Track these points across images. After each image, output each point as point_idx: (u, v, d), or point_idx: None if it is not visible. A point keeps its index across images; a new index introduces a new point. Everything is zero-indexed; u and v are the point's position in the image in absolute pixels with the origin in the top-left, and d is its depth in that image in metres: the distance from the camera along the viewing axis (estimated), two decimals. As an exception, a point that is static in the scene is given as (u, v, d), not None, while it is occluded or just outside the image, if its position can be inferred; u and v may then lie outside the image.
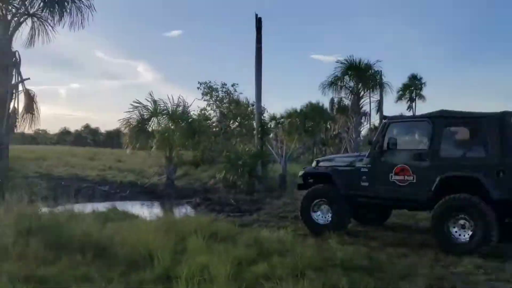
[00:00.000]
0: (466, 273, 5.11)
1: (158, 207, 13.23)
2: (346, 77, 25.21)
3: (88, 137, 59.98)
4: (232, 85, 26.43)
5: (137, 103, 15.65)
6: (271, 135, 27.16)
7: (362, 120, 26.98)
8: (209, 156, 24.01)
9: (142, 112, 15.64)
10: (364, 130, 35.12)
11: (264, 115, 28.33)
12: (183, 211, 12.41)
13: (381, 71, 25.24)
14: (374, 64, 24.93)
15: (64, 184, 15.55)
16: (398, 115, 8.40)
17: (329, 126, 26.31)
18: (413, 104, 59.71)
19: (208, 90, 26.00)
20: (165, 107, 15.95)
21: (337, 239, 6.63)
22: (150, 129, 15.78)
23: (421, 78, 60.00)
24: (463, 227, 6.07)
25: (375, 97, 26.60)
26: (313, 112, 26.31)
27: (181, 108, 16.25)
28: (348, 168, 7.40)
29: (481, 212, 5.80)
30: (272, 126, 28.62)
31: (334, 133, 27.70)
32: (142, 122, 15.60)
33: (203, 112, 26.39)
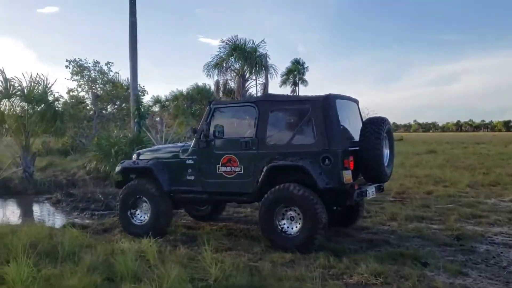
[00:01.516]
0: (364, 284, 4.34)
1: (5, 208, 11.00)
2: (232, 59, 24.45)
3: None
4: (106, 64, 24.08)
5: (-19, 81, 12.93)
6: (158, 119, 25.46)
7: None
8: (80, 144, 21.60)
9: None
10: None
11: (145, 97, 26.56)
12: (38, 211, 10.43)
13: (266, 53, 24.83)
14: (259, 45, 24.42)
15: None
16: (223, 100, 7.80)
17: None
18: (297, 88, 62.01)
19: (79, 69, 23.33)
20: (19, 87, 13.42)
21: (215, 243, 5.56)
22: (-1, 113, 13.17)
23: (304, 63, 62.11)
24: (292, 219, 5.67)
25: (261, 79, 26.25)
26: (199, 94, 25.14)
27: (40, 87, 13.82)
28: (172, 161, 6.64)
29: (308, 202, 5.44)
30: (157, 109, 26.91)
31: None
32: (-11, 105, 12.94)
33: (70, 93, 23.81)
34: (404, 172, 14.41)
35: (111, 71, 24.60)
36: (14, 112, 13.55)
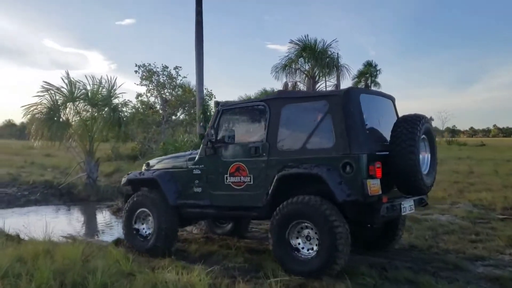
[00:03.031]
0: None
1: (68, 215, 10.56)
2: (301, 60, 23.19)
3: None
4: (175, 69, 23.70)
5: (48, 85, 12.75)
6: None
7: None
8: (149, 149, 21.36)
9: (54, 97, 12.73)
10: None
11: (212, 101, 26.04)
12: (95, 220, 9.85)
13: (338, 53, 23.30)
14: (330, 44, 22.94)
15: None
16: (232, 101, 6.66)
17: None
18: (369, 91, 59.54)
19: (148, 74, 23.17)
20: (84, 90, 13.11)
21: (283, 276, 4.36)
22: (65, 117, 12.89)
23: (376, 65, 59.57)
24: (307, 238, 4.73)
25: (332, 81, 24.78)
26: (266, 98, 24.17)
27: (105, 90, 13.44)
28: (178, 171, 5.95)
29: (324, 218, 4.49)
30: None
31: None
32: (55, 108, 12.69)
33: (140, 98, 23.70)
34: (501, 181, 12.38)
35: (179, 75, 24.27)
36: (79, 117, 13.28)
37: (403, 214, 4.92)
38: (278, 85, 31.72)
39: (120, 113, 13.65)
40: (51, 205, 11.74)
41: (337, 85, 25.25)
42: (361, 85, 58.54)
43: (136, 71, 23.50)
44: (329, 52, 22.82)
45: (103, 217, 10.06)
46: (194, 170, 5.71)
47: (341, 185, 4.50)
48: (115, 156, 21.71)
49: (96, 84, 13.21)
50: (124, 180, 6.54)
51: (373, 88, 58.03)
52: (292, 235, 4.76)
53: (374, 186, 4.46)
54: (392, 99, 5.75)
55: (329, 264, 4.44)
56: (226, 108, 5.73)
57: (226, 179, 5.38)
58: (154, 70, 23.46)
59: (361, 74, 55.21)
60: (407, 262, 5.18)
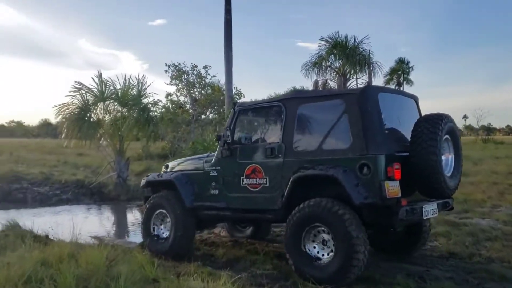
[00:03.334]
0: None
1: (98, 214, 10.61)
2: (331, 57, 22.76)
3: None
4: (204, 68, 23.66)
5: (79, 85, 12.87)
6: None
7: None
8: (179, 148, 21.42)
9: (85, 97, 12.84)
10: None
11: (241, 100, 25.92)
12: (124, 221, 9.84)
13: (369, 50, 22.76)
14: (362, 41, 22.43)
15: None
16: (249, 101, 6.55)
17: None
18: (401, 89, 58.26)
19: (178, 73, 23.23)
20: (114, 89, 13.17)
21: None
22: (95, 117, 12.99)
23: (408, 62, 58.33)
24: (324, 243, 4.56)
25: (364, 78, 24.24)
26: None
27: (135, 90, 13.48)
28: (195, 172, 5.91)
29: (339, 222, 4.32)
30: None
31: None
32: (86, 108, 12.79)
33: (169, 98, 23.81)
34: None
35: (209, 74, 24.24)
36: (110, 116, 13.36)
37: (424, 218, 4.65)
38: (308, 84, 31.39)
39: (150, 113, 13.64)
40: (82, 204, 11.87)
41: (369, 83, 24.67)
42: (393, 82, 57.51)
43: (166, 71, 23.62)
44: (360, 49, 22.37)
45: (132, 216, 10.06)
46: (210, 172, 5.66)
47: (358, 187, 4.33)
48: (146, 155, 21.88)
49: (126, 84, 13.24)
50: (143, 182, 6.57)
51: (405, 85, 56.78)
52: (307, 239, 4.61)
53: (392, 188, 4.25)
54: (415, 98, 5.55)
55: (345, 271, 4.25)
56: (242, 109, 5.65)
57: (242, 181, 5.30)
58: (184, 69, 23.50)
59: (393, 71, 54.20)
60: (447, 271, 4.85)
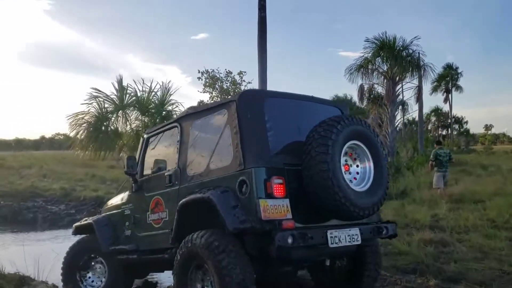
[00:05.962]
0: None
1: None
2: (378, 60, 20.73)
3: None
4: (239, 74, 22.11)
5: (96, 91, 11.50)
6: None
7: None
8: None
9: (102, 105, 11.45)
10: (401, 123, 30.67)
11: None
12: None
13: (419, 52, 20.57)
14: (412, 42, 20.29)
15: (2, 204, 11.69)
16: (155, 126, 5.73)
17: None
18: (450, 96, 54.94)
19: (211, 80, 21.81)
20: (134, 97, 11.74)
21: None
22: (112, 127, 11.57)
23: (457, 68, 54.94)
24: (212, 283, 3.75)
25: (413, 82, 22.07)
26: (339, 105, 22.05)
27: (158, 95, 12.00)
28: (113, 213, 5.44)
29: (213, 255, 3.57)
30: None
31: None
32: (103, 118, 11.40)
33: (203, 106, 22.53)
34: None
35: (244, 81, 22.71)
36: (130, 127, 11.92)
37: (331, 246, 3.67)
38: (352, 89, 29.34)
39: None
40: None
41: (420, 87, 22.51)
42: (441, 89, 54.28)
43: (199, 78, 22.28)
44: (410, 51, 20.27)
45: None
46: (125, 211, 5.21)
47: (235, 210, 3.67)
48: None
49: (145, 92, 11.79)
50: (72, 229, 5.96)
51: (454, 92, 53.42)
52: (194, 281, 3.93)
53: (272, 207, 3.55)
54: (339, 106, 4.80)
55: None
56: (150, 136, 5.19)
57: (148, 217, 4.78)
58: (218, 76, 22.07)
59: (440, 77, 51.01)
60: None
